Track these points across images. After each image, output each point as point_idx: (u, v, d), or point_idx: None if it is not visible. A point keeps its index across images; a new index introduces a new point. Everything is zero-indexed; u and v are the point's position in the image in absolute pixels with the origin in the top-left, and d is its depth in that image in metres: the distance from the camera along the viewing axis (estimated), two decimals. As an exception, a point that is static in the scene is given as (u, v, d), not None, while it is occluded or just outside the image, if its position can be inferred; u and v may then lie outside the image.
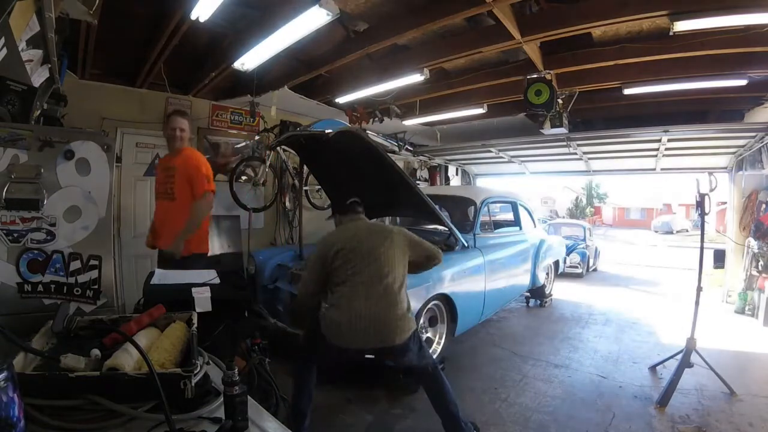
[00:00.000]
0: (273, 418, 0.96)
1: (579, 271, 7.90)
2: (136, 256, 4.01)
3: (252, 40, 3.06)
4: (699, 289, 3.11)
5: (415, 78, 3.75)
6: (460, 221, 3.97)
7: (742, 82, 3.60)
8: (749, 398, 2.82)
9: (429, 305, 3.02)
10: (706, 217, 3.13)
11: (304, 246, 3.85)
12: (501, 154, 6.67)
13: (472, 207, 4.11)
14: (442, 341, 3.21)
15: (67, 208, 1.52)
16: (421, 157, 7.23)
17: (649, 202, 33.65)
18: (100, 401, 0.84)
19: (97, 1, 2.30)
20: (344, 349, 2.09)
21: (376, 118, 4.97)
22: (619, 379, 3.16)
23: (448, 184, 7.95)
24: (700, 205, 3.09)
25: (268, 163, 4.69)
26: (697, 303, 3.10)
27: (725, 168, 5.84)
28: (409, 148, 6.61)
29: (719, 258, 5.62)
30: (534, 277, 4.85)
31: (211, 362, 1.14)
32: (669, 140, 4.93)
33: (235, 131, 4.79)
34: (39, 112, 2.29)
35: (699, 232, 3.28)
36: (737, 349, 3.92)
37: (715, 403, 2.76)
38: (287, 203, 5.09)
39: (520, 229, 4.83)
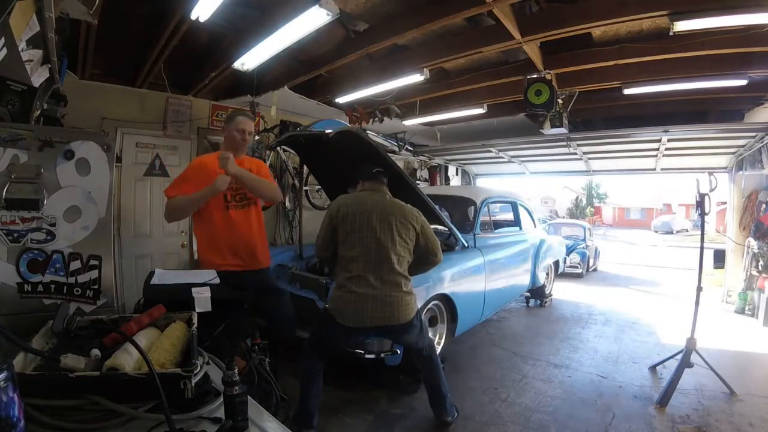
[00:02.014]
0: (273, 418, 0.96)
1: (579, 271, 7.90)
2: (136, 256, 4.01)
3: (252, 40, 3.06)
4: (699, 289, 3.11)
5: (415, 78, 3.74)
6: (460, 221, 3.97)
7: (742, 82, 3.60)
8: (749, 398, 2.82)
9: (429, 305, 3.01)
10: (706, 217, 3.13)
11: (304, 246, 3.85)
12: (501, 154, 6.68)
13: (472, 207, 4.12)
14: (442, 341, 3.21)
15: (67, 208, 1.51)
16: (421, 157, 7.24)
17: (649, 202, 33.67)
18: (100, 401, 0.84)
19: (97, 1, 2.29)
20: (350, 329, 2.18)
21: (376, 118, 4.97)
22: (619, 379, 3.16)
23: (448, 184, 7.95)
24: (700, 205, 3.09)
25: (268, 163, 4.68)
26: (697, 303, 3.10)
27: (725, 168, 5.85)
28: (409, 148, 6.60)
29: (719, 258, 5.62)
30: (534, 277, 4.85)
31: (211, 362, 1.14)
32: (669, 140, 4.93)
33: (235, 131, 4.79)
34: (39, 112, 2.29)
35: (699, 232, 3.28)
36: (737, 349, 3.92)
37: (715, 403, 2.76)
38: (287, 203, 5.09)
39: (520, 229, 4.83)
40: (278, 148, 4.60)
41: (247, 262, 2.25)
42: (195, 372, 0.91)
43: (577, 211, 33.96)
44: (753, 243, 5.05)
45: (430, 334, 3.15)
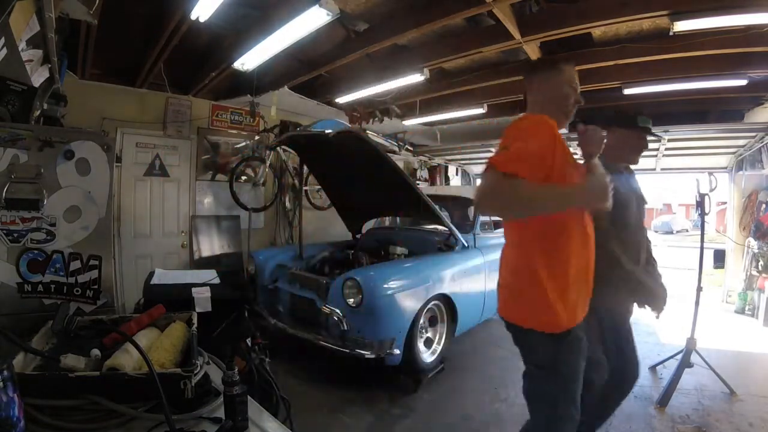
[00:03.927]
0: (273, 418, 0.96)
1: (579, 271, 7.87)
2: (136, 256, 4.02)
3: (252, 40, 3.06)
4: (699, 289, 3.11)
5: (415, 78, 3.75)
6: (460, 221, 3.97)
7: (742, 82, 3.60)
8: (749, 398, 2.81)
9: (429, 305, 3.01)
10: (706, 217, 3.13)
11: (304, 246, 3.85)
12: (501, 154, 6.66)
13: (472, 207, 4.12)
14: (442, 341, 3.20)
15: (67, 208, 1.52)
16: (421, 157, 7.23)
17: (649, 202, 33.56)
18: (100, 401, 0.84)
19: (97, 1, 2.30)
20: None
21: (376, 118, 4.97)
22: (619, 379, 3.15)
23: (448, 184, 7.95)
24: (700, 205, 3.09)
25: (268, 163, 4.70)
26: (697, 303, 3.10)
27: (725, 168, 5.84)
28: (409, 148, 6.60)
29: (719, 258, 5.61)
30: (534, 277, 4.83)
31: (211, 362, 1.15)
32: (669, 140, 4.92)
33: (235, 131, 4.79)
34: (39, 112, 2.29)
35: (699, 232, 3.27)
36: (737, 349, 3.91)
37: (715, 403, 2.76)
38: (287, 203, 5.10)
39: (520, 229, 4.81)
40: (278, 148, 4.61)
41: (584, 307, 1.43)
42: (195, 372, 0.91)
43: (577, 211, 33.88)
44: (753, 243, 5.05)
45: (429, 335, 3.15)
